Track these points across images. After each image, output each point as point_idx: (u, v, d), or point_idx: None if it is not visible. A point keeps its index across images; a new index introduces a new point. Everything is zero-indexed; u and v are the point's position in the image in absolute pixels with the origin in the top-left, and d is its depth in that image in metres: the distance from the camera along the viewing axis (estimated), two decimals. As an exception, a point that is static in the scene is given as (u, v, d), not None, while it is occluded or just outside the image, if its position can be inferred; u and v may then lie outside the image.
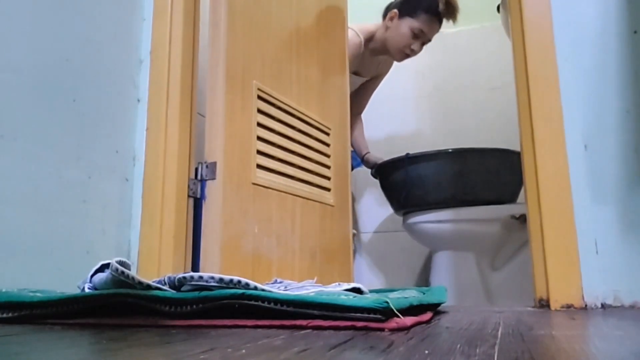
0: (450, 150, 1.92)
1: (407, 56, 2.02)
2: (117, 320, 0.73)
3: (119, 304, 0.75)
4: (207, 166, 1.17)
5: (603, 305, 1.05)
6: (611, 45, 1.15)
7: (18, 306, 0.77)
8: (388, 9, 2.03)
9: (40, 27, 1.06)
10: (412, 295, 0.84)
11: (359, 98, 2.20)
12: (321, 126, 1.55)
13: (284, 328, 0.65)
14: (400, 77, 2.41)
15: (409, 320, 0.65)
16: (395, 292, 0.96)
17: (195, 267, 1.20)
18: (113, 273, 0.76)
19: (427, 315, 0.77)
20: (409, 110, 2.55)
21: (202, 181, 1.19)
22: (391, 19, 1.98)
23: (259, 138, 1.27)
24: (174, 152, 1.23)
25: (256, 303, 0.70)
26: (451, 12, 1.92)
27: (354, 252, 2.06)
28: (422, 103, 2.55)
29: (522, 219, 1.81)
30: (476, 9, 2.51)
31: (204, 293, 0.72)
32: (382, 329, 0.62)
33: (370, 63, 2.11)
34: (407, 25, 1.94)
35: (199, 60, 1.32)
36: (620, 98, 1.13)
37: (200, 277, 0.76)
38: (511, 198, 1.94)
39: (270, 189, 1.28)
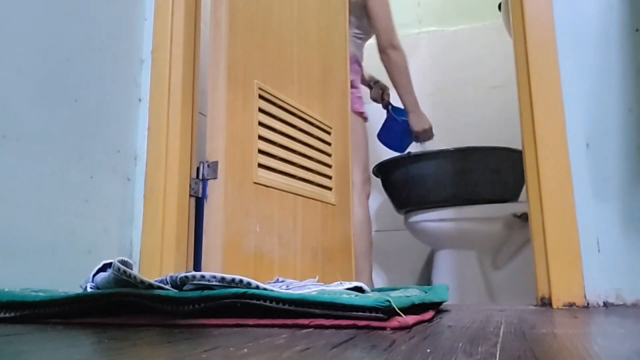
0: (451, 149, 1.92)
1: None
2: (120, 320, 0.73)
3: (121, 303, 0.75)
4: (208, 165, 1.17)
5: (605, 304, 1.05)
6: (613, 43, 1.14)
7: (21, 306, 0.77)
8: None
9: (42, 27, 1.06)
10: (414, 294, 0.84)
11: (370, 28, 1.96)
12: (322, 125, 1.55)
13: (285, 327, 0.65)
14: (401, 75, 2.40)
15: (410, 319, 0.65)
16: (397, 291, 0.96)
17: (197, 267, 1.20)
18: (115, 272, 0.76)
19: (429, 314, 0.77)
20: (411, 109, 2.53)
21: (204, 180, 1.19)
22: None
23: (261, 137, 1.27)
24: (176, 151, 1.23)
25: (258, 302, 0.70)
26: None
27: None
28: (424, 102, 2.53)
29: (524, 217, 1.81)
30: (477, 8, 2.51)
31: (206, 292, 0.72)
32: (384, 328, 0.62)
33: None
34: None
35: (200, 59, 1.32)
36: (622, 96, 1.12)
37: (202, 277, 0.76)
38: (513, 196, 1.94)
39: (271, 188, 1.28)
